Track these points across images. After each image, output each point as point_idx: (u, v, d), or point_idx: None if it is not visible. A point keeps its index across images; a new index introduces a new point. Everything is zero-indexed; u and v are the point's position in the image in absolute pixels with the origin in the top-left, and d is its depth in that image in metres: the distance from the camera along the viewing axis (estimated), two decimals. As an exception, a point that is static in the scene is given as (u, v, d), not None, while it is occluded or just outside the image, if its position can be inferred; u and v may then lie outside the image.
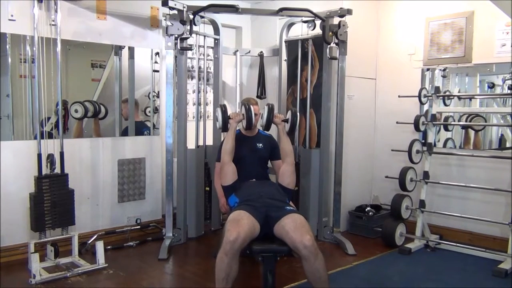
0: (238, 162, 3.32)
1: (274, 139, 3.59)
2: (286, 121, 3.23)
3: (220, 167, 3.19)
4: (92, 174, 3.81)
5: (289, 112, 3.25)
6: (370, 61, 4.52)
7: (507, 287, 3.08)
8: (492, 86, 3.96)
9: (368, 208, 4.21)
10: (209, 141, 4.26)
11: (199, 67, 4.29)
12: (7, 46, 3.35)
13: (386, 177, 4.12)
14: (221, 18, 4.16)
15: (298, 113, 3.24)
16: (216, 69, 4.27)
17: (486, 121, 3.92)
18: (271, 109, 3.19)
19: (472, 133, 4.03)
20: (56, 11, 3.36)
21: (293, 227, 2.52)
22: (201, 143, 4.17)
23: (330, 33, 3.71)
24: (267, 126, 3.23)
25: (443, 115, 4.00)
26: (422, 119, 3.82)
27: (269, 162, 3.52)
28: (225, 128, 3.19)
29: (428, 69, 4.18)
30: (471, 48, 3.87)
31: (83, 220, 3.69)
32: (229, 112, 3.23)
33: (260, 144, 3.43)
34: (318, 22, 3.83)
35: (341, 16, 3.72)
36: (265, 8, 4.43)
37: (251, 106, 3.22)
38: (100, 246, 3.30)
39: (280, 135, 3.26)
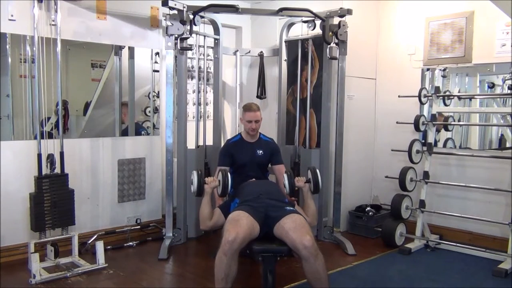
0: (238, 168, 3.33)
1: (275, 144, 3.60)
2: (308, 181, 3.09)
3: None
4: (92, 174, 3.81)
5: (309, 172, 3.11)
6: (370, 61, 4.52)
7: (507, 287, 3.08)
8: (492, 86, 3.95)
9: (368, 208, 4.21)
10: (209, 141, 4.26)
11: (199, 67, 4.29)
12: (7, 46, 3.35)
13: (386, 177, 4.11)
14: (221, 18, 4.16)
15: (317, 170, 3.07)
16: (216, 69, 4.27)
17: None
18: (290, 175, 3.01)
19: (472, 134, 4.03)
20: (56, 11, 3.36)
21: (293, 227, 2.52)
22: (201, 143, 4.17)
23: (330, 33, 3.71)
24: (291, 192, 3.03)
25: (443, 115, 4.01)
26: (422, 119, 3.82)
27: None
28: (199, 193, 3.03)
29: (428, 69, 4.17)
30: (471, 48, 3.87)
31: (83, 220, 3.69)
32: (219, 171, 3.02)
33: (261, 151, 3.43)
34: (318, 22, 3.83)
35: (341, 16, 3.72)
36: (265, 8, 4.42)
37: (228, 173, 2.97)
38: (100, 246, 3.30)
39: (305, 197, 3.08)
